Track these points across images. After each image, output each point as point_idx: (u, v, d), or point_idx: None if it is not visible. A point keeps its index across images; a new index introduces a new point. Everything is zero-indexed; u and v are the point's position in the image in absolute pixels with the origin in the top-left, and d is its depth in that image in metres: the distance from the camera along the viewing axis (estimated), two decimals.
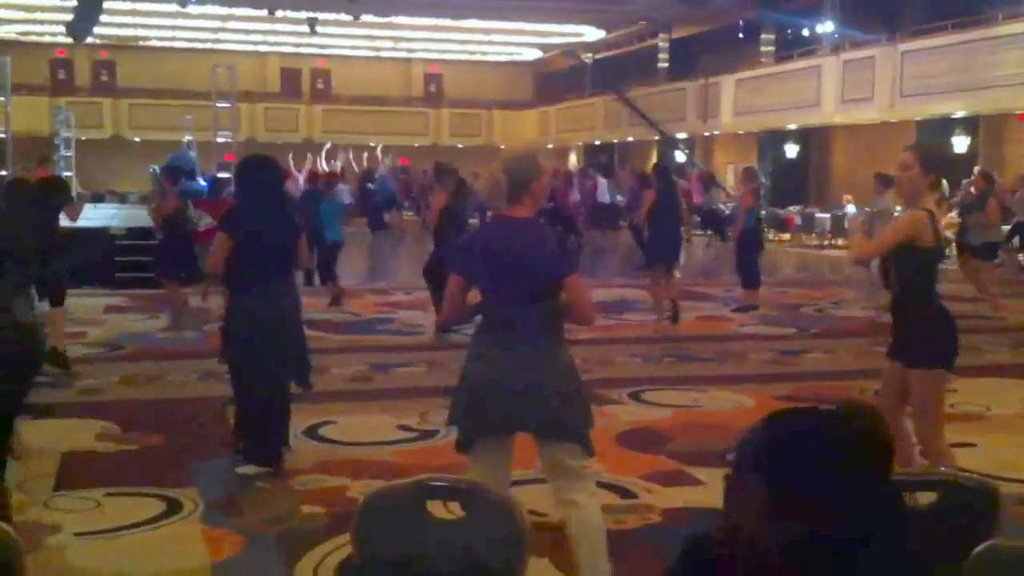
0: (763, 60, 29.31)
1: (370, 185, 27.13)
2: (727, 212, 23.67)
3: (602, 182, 25.60)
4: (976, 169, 16.85)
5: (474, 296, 4.16)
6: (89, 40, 26.89)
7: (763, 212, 18.84)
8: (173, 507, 5.33)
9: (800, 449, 1.78)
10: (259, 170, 6.17)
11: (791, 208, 26.46)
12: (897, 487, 1.92)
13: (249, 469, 5.96)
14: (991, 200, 13.39)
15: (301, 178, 20.86)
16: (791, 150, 28.89)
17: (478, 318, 4.21)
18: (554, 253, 4.10)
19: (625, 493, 5.61)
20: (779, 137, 29.20)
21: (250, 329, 5.90)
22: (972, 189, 14.91)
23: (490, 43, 37.51)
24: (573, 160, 41.77)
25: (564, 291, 4.04)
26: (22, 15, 31.01)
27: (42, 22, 31.84)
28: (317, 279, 13.99)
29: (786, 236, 25.74)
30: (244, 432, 6.23)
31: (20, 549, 2.51)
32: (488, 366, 4.00)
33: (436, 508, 3.00)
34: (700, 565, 1.93)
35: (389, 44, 37.81)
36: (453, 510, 3.04)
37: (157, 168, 15.37)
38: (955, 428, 7.08)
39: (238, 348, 6.03)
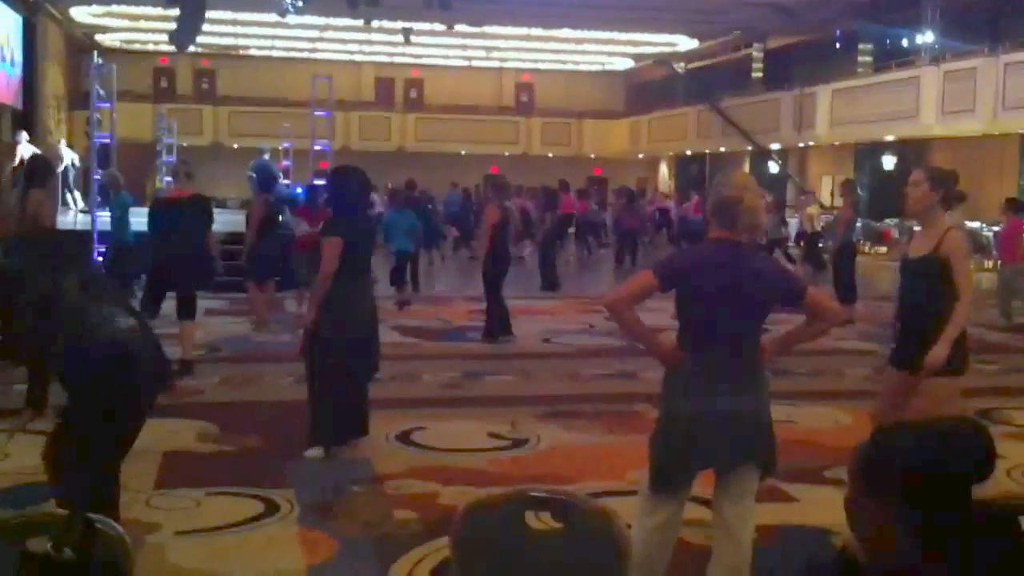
0: (860, 71, 28.80)
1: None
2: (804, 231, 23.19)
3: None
4: None
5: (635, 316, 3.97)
6: (191, 49, 27.52)
7: (859, 224, 18.49)
8: (270, 508, 5.43)
9: (920, 466, 1.76)
10: (352, 179, 6.77)
11: (888, 221, 25.95)
12: (1012, 513, 1.88)
13: (317, 452, 6.39)
14: None
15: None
16: (888, 162, 28.32)
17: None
18: (787, 273, 4.12)
19: None
20: (876, 149, 28.64)
21: (350, 319, 6.44)
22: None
23: (582, 52, 37.45)
24: (664, 171, 41.52)
25: (807, 303, 3.96)
26: (127, 24, 31.88)
27: (146, 31, 32.69)
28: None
29: (883, 249, 25.24)
30: (319, 417, 6.52)
31: (129, 548, 2.56)
32: (719, 396, 3.82)
33: (530, 519, 3.00)
34: None
35: (481, 53, 38.01)
36: (545, 520, 3.04)
37: (254, 175, 15.72)
38: None
39: (328, 333, 6.39)
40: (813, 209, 23.15)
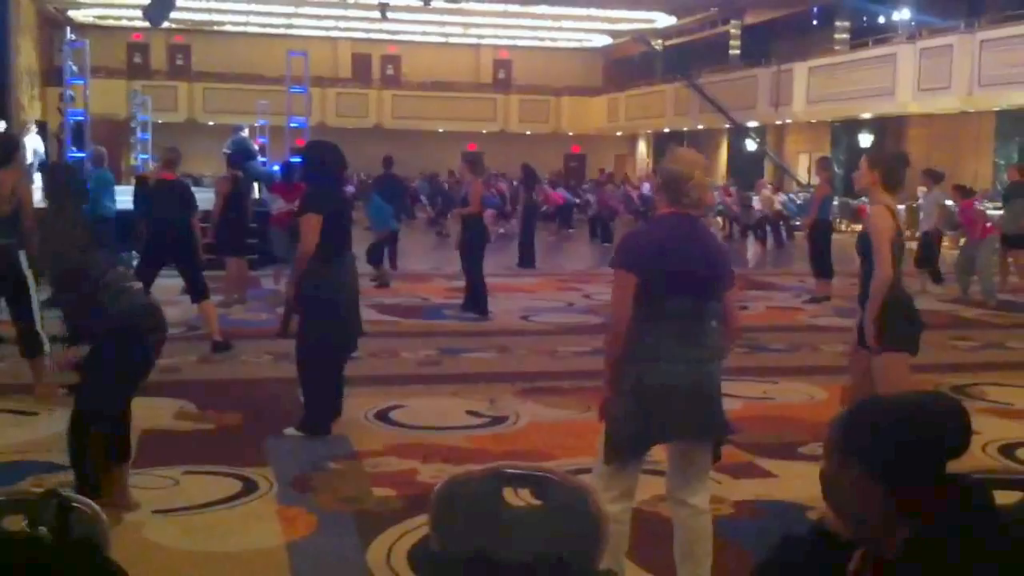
0: (837, 47, 28.86)
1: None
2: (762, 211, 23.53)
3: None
4: None
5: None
6: (165, 25, 27.28)
7: (836, 201, 18.63)
8: (249, 486, 5.42)
9: (896, 439, 1.78)
10: (327, 154, 6.68)
11: (864, 198, 26.05)
12: (986, 485, 1.91)
13: (296, 433, 6.39)
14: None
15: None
16: (865, 139, 28.42)
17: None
18: (729, 258, 4.13)
19: None
20: (853, 126, 28.74)
21: (331, 295, 6.38)
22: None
23: (560, 29, 37.39)
24: (642, 148, 41.56)
25: (729, 297, 4.01)
26: None
27: (119, 6, 32.37)
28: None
29: (859, 226, 25.36)
30: (306, 399, 6.54)
31: (105, 525, 2.56)
32: (681, 368, 3.82)
33: (508, 495, 3.01)
34: (796, 565, 1.92)
35: (459, 30, 37.87)
36: (524, 497, 3.05)
37: (229, 151, 15.66)
38: None
39: (318, 313, 6.37)
40: (769, 192, 23.58)
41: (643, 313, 3.89)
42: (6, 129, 17.83)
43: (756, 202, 23.91)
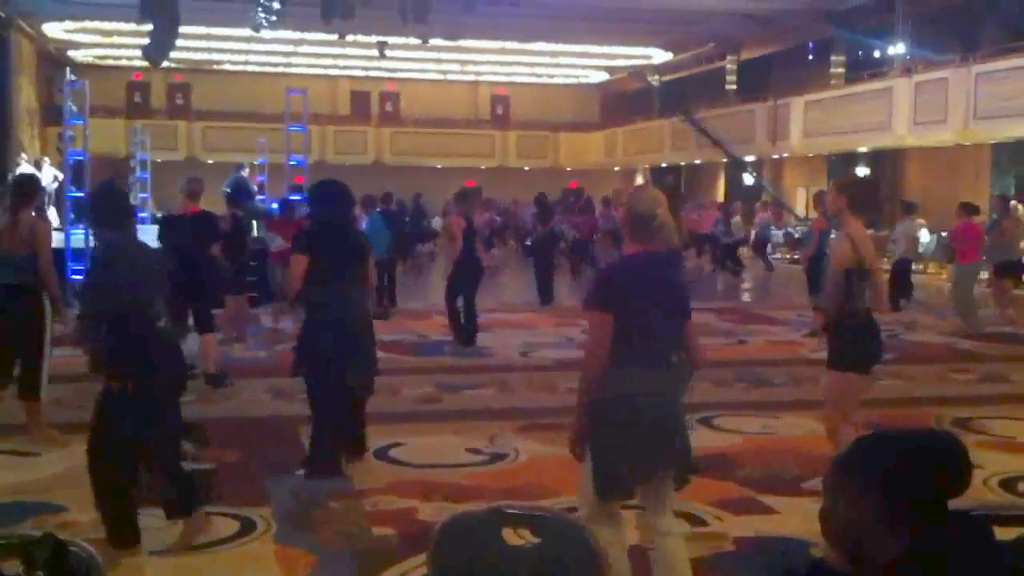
0: (833, 82, 29.01)
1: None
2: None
3: None
4: None
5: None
6: (165, 64, 27.43)
7: (833, 235, 18.64)
8: (247, 526, 5.39)
9: (897, 476, 1.79)
10: (330, 191, 6.65)
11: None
12: (986, 520, 1.91)
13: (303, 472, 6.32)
14: (1003, 222, 14.37)
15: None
16: (862, 173, 28.52)
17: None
18: (687, 290, 4.24)
19: (696, 520, 5.54)
20: (850, 159, 28.83)
21: (325, 333, 6.31)
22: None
23: (557, 65, 37.57)
24: (640, 183, 41.69)
25: (689, 326, 4.12)
26: (99, 39, 31.74)
27: (119, 46, 32.55)
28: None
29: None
30: (313, 440, 6.46)
31: (101, 567, 2.54)
32: (656, 403, 3.89)
33: (508, 534, 2.99)
34: None
35: (457, 67, 38.08)
36: (524, 536, 3.03)
37: (228, 190, 15.68)
38: None
39: (308, 349, 6.35)
40: (737, 219, 24.24)
41: (615, 349, 3.93)
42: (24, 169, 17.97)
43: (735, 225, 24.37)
